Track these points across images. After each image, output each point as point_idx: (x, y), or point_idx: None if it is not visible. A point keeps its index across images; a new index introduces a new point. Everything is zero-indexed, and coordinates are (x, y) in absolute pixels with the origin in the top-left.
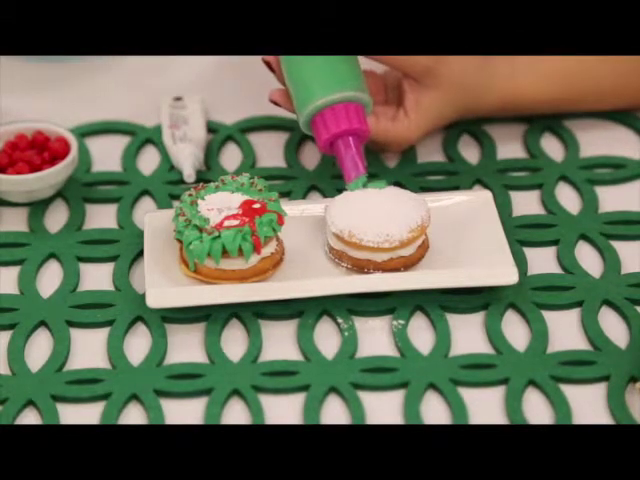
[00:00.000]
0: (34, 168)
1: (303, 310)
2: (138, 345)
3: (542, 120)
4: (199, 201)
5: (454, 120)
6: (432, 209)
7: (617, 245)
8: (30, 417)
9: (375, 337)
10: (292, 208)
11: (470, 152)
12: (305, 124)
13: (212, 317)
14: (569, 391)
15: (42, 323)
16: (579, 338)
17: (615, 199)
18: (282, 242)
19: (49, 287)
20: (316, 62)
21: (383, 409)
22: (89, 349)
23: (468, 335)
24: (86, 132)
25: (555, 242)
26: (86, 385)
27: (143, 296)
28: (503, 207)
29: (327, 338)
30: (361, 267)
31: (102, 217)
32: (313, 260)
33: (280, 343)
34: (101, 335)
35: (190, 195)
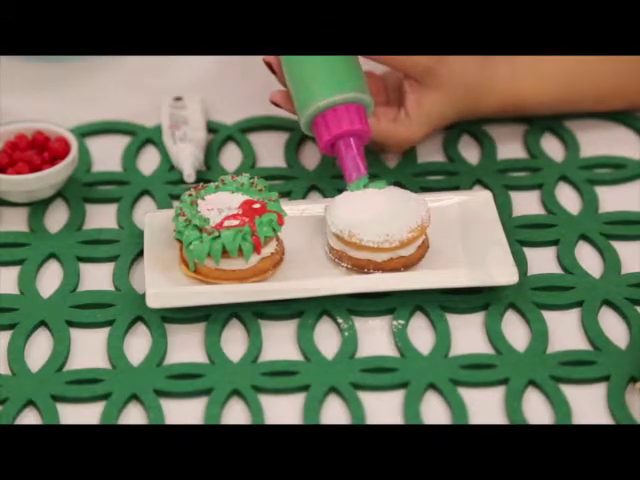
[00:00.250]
0: (34, 168)
1: (303, 310)
2: (138, 345)
3: (542, 120)
4: (199, 201)
5: (455, 120)
6: (432, 209)
7: (617, 245)
8: (30, 417)
9: (375, 337)
10: (292, 208)
11: (470, 152)
12: (306, 125)
13: (212, 317)
14: (569, 391)
15: (42, 323)
16: (579, 338)
17: (615, 199)
18: (282, 242)
19: (49, 287)
20: (317, 63)
21: (383, 409)
22: (89, 349)
23: (468, 335)
24: (86, 132)
25: (555, 242)
26: (86, 385)
27: (143, 296)
28: (503, 207)
29: (327, 338)
30: (361, 267)
31: (102, 217)
32: (313, 260)
33: (280, 343)
34: (101, 335)
35: (190, 195)
